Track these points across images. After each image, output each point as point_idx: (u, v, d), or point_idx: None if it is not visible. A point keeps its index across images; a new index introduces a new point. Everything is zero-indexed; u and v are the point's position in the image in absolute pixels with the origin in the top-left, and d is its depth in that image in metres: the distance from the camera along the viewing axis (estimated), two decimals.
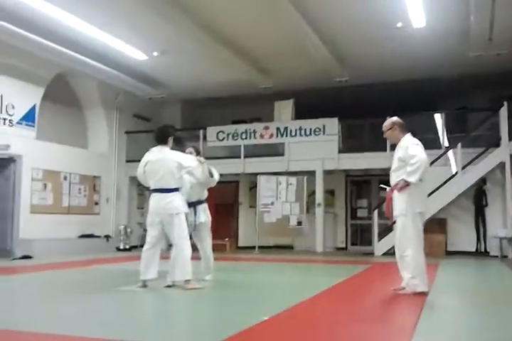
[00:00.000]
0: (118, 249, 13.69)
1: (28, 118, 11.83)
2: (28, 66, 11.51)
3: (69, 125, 13.90)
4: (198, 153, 6.41)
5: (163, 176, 5.72)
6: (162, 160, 5.77)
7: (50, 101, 12.79)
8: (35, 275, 8.03)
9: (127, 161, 14.88)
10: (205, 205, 6.44)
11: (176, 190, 5.78)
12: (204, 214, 6.36)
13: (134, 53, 11.89)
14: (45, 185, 12.30)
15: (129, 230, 14.05)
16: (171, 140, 5.96)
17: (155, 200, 5.79)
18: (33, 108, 11.96)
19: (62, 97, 13.53)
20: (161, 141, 5.92)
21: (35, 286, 6.61)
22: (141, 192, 15.30)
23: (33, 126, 11.98)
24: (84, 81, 13.65)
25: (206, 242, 6.40)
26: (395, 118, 5.74)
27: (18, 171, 11.64)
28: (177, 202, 5.73)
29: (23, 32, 10.05)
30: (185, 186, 6.06)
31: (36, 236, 11.48)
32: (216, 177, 6.26)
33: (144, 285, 5.78)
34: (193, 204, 6.21)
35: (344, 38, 11.19)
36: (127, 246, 13.83)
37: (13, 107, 11.47)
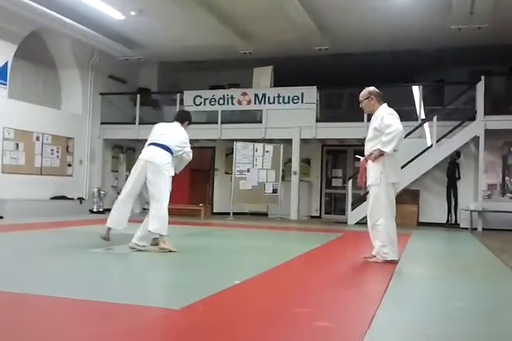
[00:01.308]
0: (91, 212, 13.61)
1: (0, 75, 11.50)
2: (0, 22, 11.11)
3: (42, 84, 13.60)
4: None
5: (165, 135, 5.90)
6: (172, 128, 6.05)
7: (23, 60, 12.46)
8: (5, 235, 7.95)
9: (102, 123, 14.61)
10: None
11: (172, 153, 5.82)
12: None
13: (111, 12, 11.56)
14: (17, 145, 12.07)
15: (102, 193, 13.96)
16: (186, 124, 6.22)
17: (147, 150, 5.87)
18: (5, 65, 11.61)
19: (36, 56, 13.18)
20: (179, 120, 6.20)
21: (5, 246, 6.54)
22: (116, 155, 15.17)
23: (5, 85, 11.66)
24: (59, 40, 13.27)
25: None
26: (371, 88, 5.69)
27: None
28: (167, 159, 5.77)
29: None
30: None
31: (7, 196, 11.34)
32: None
33: (107, 236, 5.78)
34: None
35: (326, 5, 10.99)
36: (101, 209, 13.76)
37: None
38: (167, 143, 5.83)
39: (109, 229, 5.81)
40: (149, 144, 5.93)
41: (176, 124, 6.13)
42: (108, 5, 11.19)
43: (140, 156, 5.89)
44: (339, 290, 4.09)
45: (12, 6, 10.45)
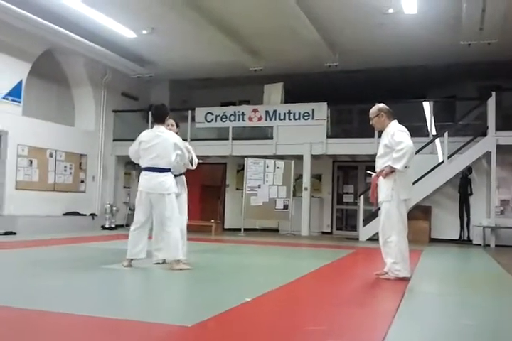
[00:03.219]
0: (103, 228, 13.66)
1: (14, 93, 11.67)
2: (15, 41, 11.34)
3: (56, 102, 13.78)
4: (177, 125, 6.35)
5: (157, 156, 5.69)
6: (158, 140, 5.73)
7: (37, 78, 12.65)
8: (18, 251, 7.99)
9: (114, 140, 14.81)
10: (184, 178, 6.35)
11: (168, 170, 5.75)
12: (182, 186, 6.27)
13: (123, 31, 11.73)
14: (30, 162, 12.21)
15: (114, 209, 14.03)
16: (168, 119, 5.95)
17: (146, 179, 5.73)
18: (20, 83, 11.80)
19: (50, 74, 13.38)
20: (158, 119, 5.89)
21: (18, 262, 6.57)
22: (128, 171, 15.27)
23: (19, 102, 11.84)
24: (72, 58, 13.48)
25: (183, 216, 6.18)
26: (381, 105, 5.72)
27: (3, 147, 11.54)
28: (169, 182, 5.70)
29: (13, 7, 9.88)
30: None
31: (21, 212, 11.44)
32: (194, 165, 6.21)
33: (130, 265, 5.78)
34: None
35: (335, 21, 11.08)
36: (113, 225, 13.83)
37: None
38: (160, 165, 5.69)
39: (131, 260, 5.82)
40: (144, 169, 5.79)
41: (157, 131, 5.81)
42: (120, 24, 11.35)
43: (139, 187, 5.80)
44: (351, 308, 4.07)
45: (26, 25, 10.65)
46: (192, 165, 6.16)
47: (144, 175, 5.79)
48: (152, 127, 5.99)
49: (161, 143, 5.72)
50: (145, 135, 5.87)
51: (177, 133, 6.31)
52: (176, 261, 5.70)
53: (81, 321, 3.35)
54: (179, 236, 5.70)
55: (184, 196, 6.27)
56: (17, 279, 5.13)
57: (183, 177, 6.33)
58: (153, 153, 5.70)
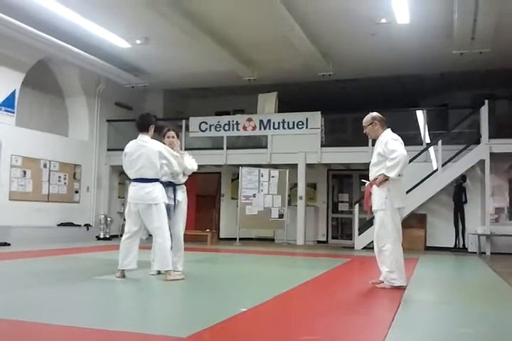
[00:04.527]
0: (98, 238, 13.61)
1: (8, 104, 11.65)
2: (8, 51, 11.32)
3: (49, 112, 13.76)
4: (177, 136, 6.29)
5: (143, 166, 5.62)
6: (142, 150, 5.65)
7: (30, 88, 12.64)
8: (12, 262, 7.93)
9: (108, 150, 14.79)
10: (184, 187, 6.29)
11: (156, 180, 5.69)
12: (182, 194, 6.20)
13: (117, 41, 11.74)
14: (24, 172, 12.15)
15: (109, 219, 13.97)
16: (152, 128, 5.84)
17: (134, 190, 5.68)
18: (13, 93, 11.78)
19: (44, 84, 13.37)
20: (143, 128, 5.80)
21: (11, 274, 6.52)
22: (122, 181, 15.22)
23: (13, 112, 11.81)
24: (66, 68, 13.48)
25: (180, 225, 6.13)
26: (374, 114, 5.71)
27: None
28: (156, 192, 5.62)
29: (6, 17, 9.88)
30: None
31: (15, 223, 11.35)
32: (188, 171, 6.13)
33: (122, 275, 5.74)
34: (172, 184, 6.07)
35: (328, 31, 11.14)
36: (107, 235, 13.77)
37: None
38: (146, 176, 5.61)
39: (123, 270, 5.78)
40: (132, 180, 5.74)
41: (142, 140, 5.72)
42: (114, 34, 11.37)
43: (128, 199, 5.77)
44: (347, 317, 4.05)
45: (20, 35, 10.64)
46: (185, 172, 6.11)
47: (132, 186, 5.75)
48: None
49: (146, 153, 5.63)
50: (129, 146, 5.80)
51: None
52: (167, 271, 5.67)
53: (74, 333, 3.31)
54: (168, 247, 5.63)
55: (183, 206, 6.22)
56: (10, 290, 5.08)
57: (184, 186, 6.30)
58: (139, 164, 5.63)
